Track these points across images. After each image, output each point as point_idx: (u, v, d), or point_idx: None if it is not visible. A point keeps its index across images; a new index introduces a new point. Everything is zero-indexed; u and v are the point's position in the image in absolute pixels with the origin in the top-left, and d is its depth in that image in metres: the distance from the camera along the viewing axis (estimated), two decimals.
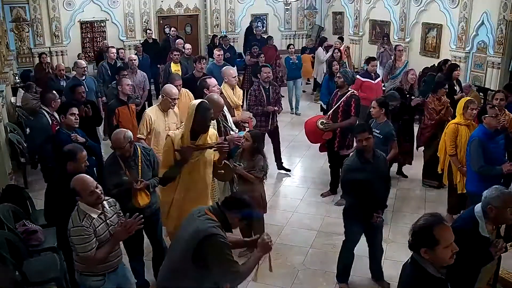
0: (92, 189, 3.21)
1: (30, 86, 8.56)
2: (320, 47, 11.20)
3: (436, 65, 9.31)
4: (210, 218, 2.92)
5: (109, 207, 3.37)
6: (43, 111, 5.79)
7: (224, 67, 6.87)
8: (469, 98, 5.35)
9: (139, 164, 4.03)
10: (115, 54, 8.99)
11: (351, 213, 4.29)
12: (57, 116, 5.56)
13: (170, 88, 5.32)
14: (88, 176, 3.34)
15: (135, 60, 8.20)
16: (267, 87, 6.72)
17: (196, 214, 3.01)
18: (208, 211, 2.97)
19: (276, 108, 6.72)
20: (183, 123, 4.18)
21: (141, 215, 3.30)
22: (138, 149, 4.10)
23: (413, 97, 6.73)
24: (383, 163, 4.38)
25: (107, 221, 3.29)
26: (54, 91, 5.95)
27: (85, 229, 3.13)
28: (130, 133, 4.05)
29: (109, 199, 3.44)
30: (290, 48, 10.74)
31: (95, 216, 3.21)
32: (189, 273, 2.88)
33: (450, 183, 5.44)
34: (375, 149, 4.32)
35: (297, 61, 10.43)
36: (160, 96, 5.56)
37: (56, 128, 5.32)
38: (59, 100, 5.90)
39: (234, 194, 3.07)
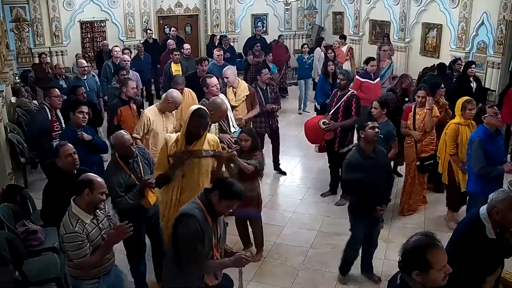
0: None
1: (20, 91, 8.57)
2: (318, 47, 11.21)
3: (435, 65, 9.32)
4: (195, 202, 3.04)
5: (99, 211, 3.35)
6: (45, 105, 5.65)
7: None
8: (467, 98, 5.35)
9: (140, 164, 4.06)
10: (119, 53, 8.95)
11: (357, 208, 4.32)
12: (59, 114, 5.58)
13: (179, 94, 5.32)
14: (127, 134, 3.97)
15: (127, 61, 8.20)
16: (264, 88, 6.74)
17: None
18: (196, 197, 3.09)
19: (274, 106, 6.71)
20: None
21: (130, 223, 3.31)
22: (136, 150, 4.10)
23: (406, 99, 6.71)
24: (384, 158, 4.43)
25: (99, 225, 3.28)
26: (56, 89, 5.82)
27: (78, 235, 3.10)
28: (128, 133, 4.07)
29: None
30: (304, 48, 10.82)
31: (87, 221, 3.19)
32: (175, 266, 2.95)
33: (452, 182, 5.43)
34: (376, 145, 4.34)
35: (309, 61, 10.48)
36: (163, 97, 5.48)
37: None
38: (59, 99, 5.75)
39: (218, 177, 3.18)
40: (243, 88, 6.33)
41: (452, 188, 5.52)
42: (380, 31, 12.50)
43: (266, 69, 6.94)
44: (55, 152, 3.93)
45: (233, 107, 6.05)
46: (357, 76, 7.73)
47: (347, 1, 13.64)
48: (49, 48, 11.63)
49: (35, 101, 8.71)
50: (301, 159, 7.89)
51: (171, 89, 5.48)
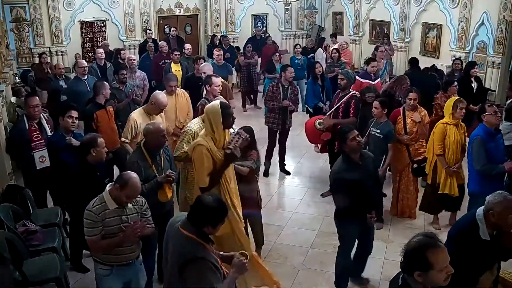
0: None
1: (20, 91, 8.57)
2: (319, 48, 11.20)
3: (435, 65, 9.35)
4: (187, 237, 2.75)
5: (132, 205, 3.40)
6: (24, 114, 5.39)
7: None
8: (458, 97, 5.33)
9: (162, 158, 4.15)
10: (103, 55, 9.03)
11: (345, 216, 4.17)
12: (43, 121, 5.34)
13: (163, 97, 5.26)
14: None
15: (134, 59, 8.19)
16: (286, 86, 6.75)
17: (174, 228, 2.87)
18: (181, 229, 2.78)
19: (290, 103, 6.71)
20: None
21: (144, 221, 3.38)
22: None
23: (399, 98, 6.69)
24: (371, 163, 4.31)
25: (123, 217, 3.33)
26: (37, 97, 5.51)
27: (92, 215, 3.24)
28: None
29: (138, 197, 3.46)
30: (296, 48, 10.75)
31: (110, 208, 3.28)
32: None
33: (433, 183, 5.38)
34: (362, 150, 4.25)
35: (302, 62, 10.42)
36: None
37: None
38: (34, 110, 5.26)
39: (196, 202, 2.84)
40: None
41: (431, 188, 5.45)
42: (380, 31, 12.50)
43: (292, 68, 6.94)
44: (91, 142, 4.04)
45: None
46: (357, 77, 7.71)
47: (347, 1, 13.64)
48: (49, 48, 11.62)
49: None
50: (301, 159, 7.90)
51: (157, 91, 5.44)
